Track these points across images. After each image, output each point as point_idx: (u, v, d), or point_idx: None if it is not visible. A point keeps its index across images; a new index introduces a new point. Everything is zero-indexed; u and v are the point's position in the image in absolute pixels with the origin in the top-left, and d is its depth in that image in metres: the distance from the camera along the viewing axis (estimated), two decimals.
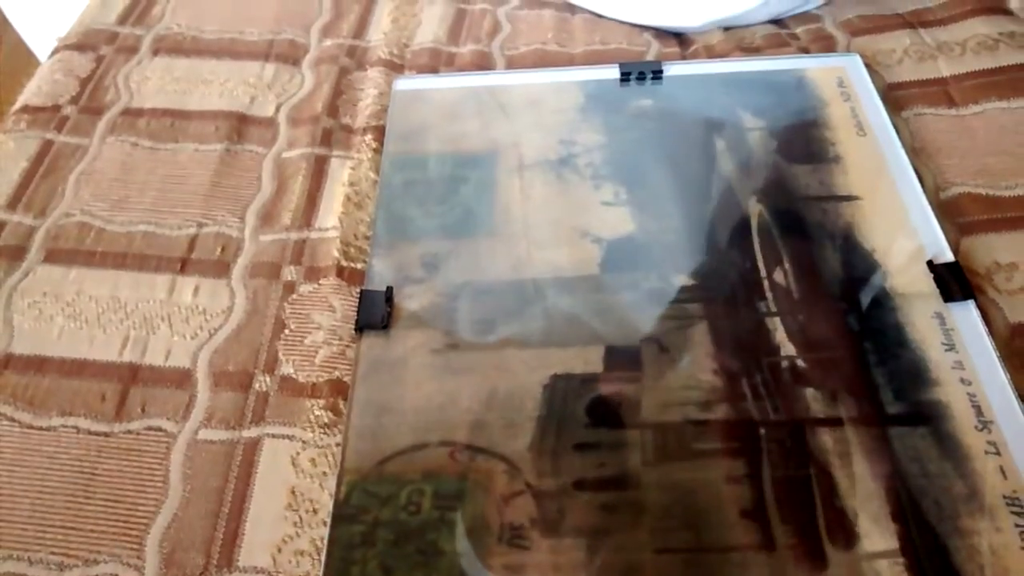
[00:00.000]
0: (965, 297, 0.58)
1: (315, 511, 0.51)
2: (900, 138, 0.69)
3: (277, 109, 0.77)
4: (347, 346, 0.59)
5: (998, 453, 0.50)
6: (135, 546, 0.50)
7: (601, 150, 0.70)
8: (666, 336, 0.57)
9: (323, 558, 0.49)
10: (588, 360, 0.56)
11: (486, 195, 0.67)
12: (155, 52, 0.84)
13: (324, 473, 0.53)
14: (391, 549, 0.48)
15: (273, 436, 0.55)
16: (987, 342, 0.55)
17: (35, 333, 0.61)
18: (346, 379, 0.57)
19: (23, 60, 1.36)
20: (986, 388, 0.53)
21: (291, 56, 0.83)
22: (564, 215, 0.65)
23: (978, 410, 0.52)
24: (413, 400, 0.55)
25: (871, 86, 0.73)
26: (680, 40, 0.84)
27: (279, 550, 0.50)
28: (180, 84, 0.80)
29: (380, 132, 0.74)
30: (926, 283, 0.59)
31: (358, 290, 0.62)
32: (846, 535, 0.48)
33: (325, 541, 0.49)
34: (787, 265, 0.61)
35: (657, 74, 0.76)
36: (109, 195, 0.70)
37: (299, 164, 0.72)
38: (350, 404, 0.55)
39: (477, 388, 0.55)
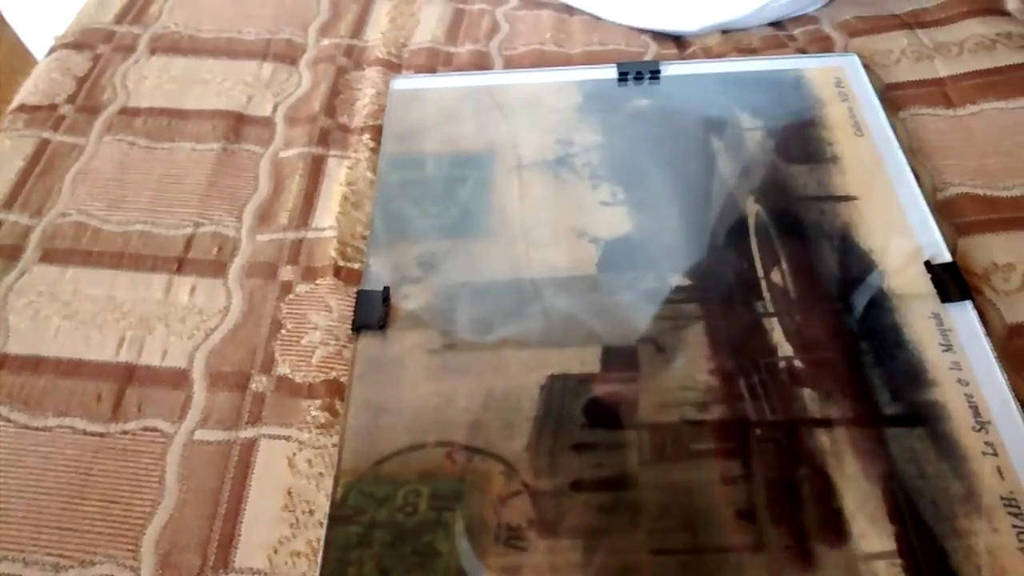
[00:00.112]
0: (962, 298, 0.58)
1: (311, 512, 0.51)
2: (898, 138, 0.69)
3: (274, 108, 0.77)
4: (344, 346, 0.59)
5: (995, 454, 0.50)
6: (131, 547, 0.50)
7: (599, 150, 0.70)
8: (663, 336, 0.57)
9: (319, 559, 0.49)
10: (585, 360, 0.56)
11: (483, 195, 0.67)
12: (152, 51, 0.84)
13: (320, 474, 0.53)
14: (387, 550, 0.48)
15: (269, 437, 0.55)
16: (984, 343, 0.55)
17: (31, 333, 0.61)
18: (343, 379, 0.57)
19: (20, 59, 1.36)
20: (983, 389, 0.53)
21: (288, 55, 0.83)
22: (561, 215, 0.65)
23: (975, 411, 0.52)
24: (410, 400, 0.55)
25: (869, 86, 0.73)
26: (678, 42, 0.84)
27: (275, 551, 0.50)
28: (177, 83, 0.80)
29: (377, 132, 0.74)
30: (923, 283, 0.59)
31: (355, 290, 0.62)
32: (843, 536, 0.48)
33: (321, 542, 0.49)
34: (784, 265, 0.61)
35: (655, 74, 0.76)
36: (106, 194, 0.70)
37: (296, 164, 0.72)
38: (347, 404, 0.55)
39: (474, 388, 0.55)
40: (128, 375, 0.58)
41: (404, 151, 0.71)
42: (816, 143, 0.69)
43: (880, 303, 0.58)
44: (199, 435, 0.55)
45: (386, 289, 0.61)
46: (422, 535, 0.49)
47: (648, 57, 0.81)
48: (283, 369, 0.58)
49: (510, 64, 0.82)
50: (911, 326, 0.56)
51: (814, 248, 0.61)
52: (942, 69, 0.76)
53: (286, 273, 0.64)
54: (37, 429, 0.56)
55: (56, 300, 0.62)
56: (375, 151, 0.72)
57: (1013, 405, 0.52)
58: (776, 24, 0.84)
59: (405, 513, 0.50)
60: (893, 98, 0.74)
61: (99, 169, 0.72)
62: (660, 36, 0.84)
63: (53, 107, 0.77)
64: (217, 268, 0.64)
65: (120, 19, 0.88)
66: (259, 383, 0.58)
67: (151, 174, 0.71)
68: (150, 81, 0.80)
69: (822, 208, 0.64)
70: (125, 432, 0.55)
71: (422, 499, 0.50)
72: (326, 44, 0.84)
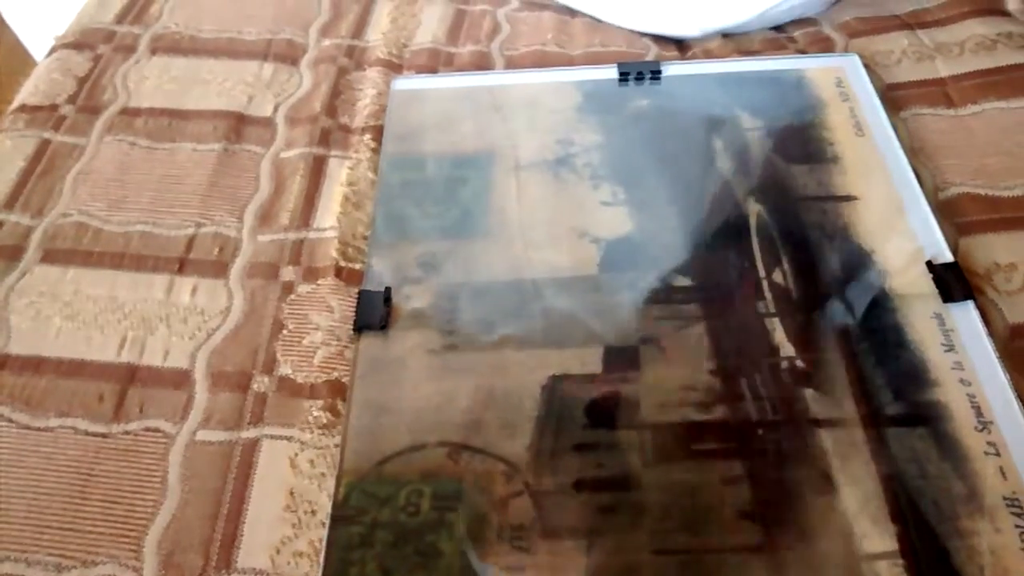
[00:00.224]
0: (964, 298, 0.58)
1: (314, 512, 0.51)
2: (899, 138, 0.69)
3: (275, 109, 0.77)
4: (345, 346, 0.59)
5: (998, 454, 0.50)
6: (133, 547, 0.50)
7: (599, 150, 0.70)
8: (665, 337, 0.57)
9: (322, 559, 0.49)
10: (587, 360, 0.56)
11: (485, 195, 0.67)
12: (153, 51, 0.84)
13: (322, 474, 0.53)
14: (390, 550, 0.48)
15: (271, 437, 0.55)
16: (986, 343, 0.55)
17: (32, 333, 0.61)
18: (344, 380, 0.57)
19: (19, 60, 1.36)
20: (985, 389, 0.53)
21: (289, 56, 0.83)
22: (562, 215, 0.65)
23: (977, 411, 0.52)
24: (412, 401, 0.55)
25: (870, 86, 0.73)
26: (679, 44, 0.83)
27: (278, 551, 0.50)
28: (178, 83, 0.80)
29: (378, 132, 0.74)
30: (925, 284, 0.59)
31: (356, 290, 0.62)
32: (845, 536, 0.48)
33: (324, 542, 0.49)
34: (786, 265, 0.61)
35: (655, 74, 0.76)
36: (107, 195, 0.70)
37: (297, 164, 0.72)
38: (348, 405, 0.55)
39: (476, 389, 0.55)
40: (130, 375, 0.58)
41: (405, 151, 0.71)
42: (817, 143, 0.69)
43: (882, 303, 0.58)
44: (201, 435, 0.55)
45: (388, 289, 0.61)
46: (424, 535, 0.49)
47: (649, 58, 0.81)
48: (285, 369, 0.58)
49: (511, 65, 0.82)
50: (913, 326, 0.56)
51: (815, 248, 0.61)
52: (943, 69, 0.76)
53: (287, 273, 0.64)
54: (39, 429, 0.56)
55: (57, 300, 0.62)
56: (376, 151, 0.72)
57: (1015, 405, 0.52)
58: (776, 27, 0.84)
59: (407, 513, 0.50)
60: (894, 98, 0.74)
61: (100, 169, 0.72)
62: (661, 39, 0.84)
63: (54, 107, 0.77)
64: (218, 268, 0.64)
65: (121, 19, 0.88)
66: (261, 383, 0.58)
67: (152, 174, 0.71)
68: (151, 81, 0.80)
69: (823, 208, 0.64)
70: (127, 432, 0.55)
71: (424, 499, 0.50)
72: (327, 44, 0.84)
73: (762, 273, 0.60)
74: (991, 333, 0.56)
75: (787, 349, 0.56)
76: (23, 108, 0.78)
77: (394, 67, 0.81)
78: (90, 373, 0.58)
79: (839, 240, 0.62)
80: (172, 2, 0.90)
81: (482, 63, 0.82)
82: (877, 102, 0.72)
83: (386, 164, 0.70)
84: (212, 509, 0.52)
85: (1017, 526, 0.47)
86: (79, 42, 0.85)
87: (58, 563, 0.50)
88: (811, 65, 0.76)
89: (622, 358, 0.56)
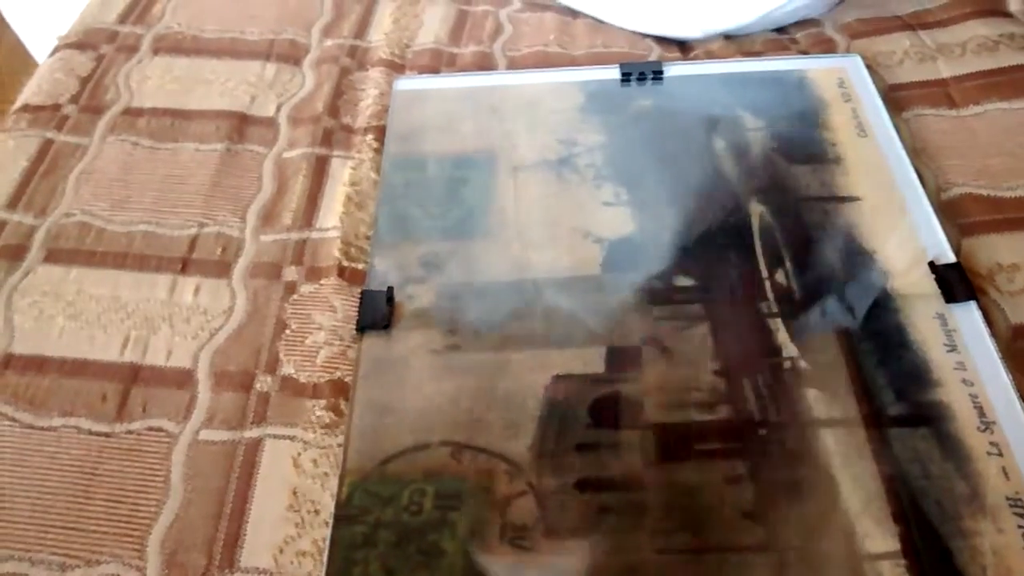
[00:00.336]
0: (967, 298, 0.58)
1: (317, 512, 0.51)
2: (901, 139, 0.69)
3: (278, 109, 0.77)
4: (348, 346, 0.59)
5: (1000, 454, 0.50)
6: (137, 547, 0.50)
7: (602, 150, 0.70)
8: (667, 337, 0.57)
9: (325, 559, 0.49)
10: (589, 361, 0.56)
11: (487, 195, 0.67)
12: (155, 51, 0.84)
13: (325, 474, 0.53)
14: (393, 550, 0.48)
15: (274, 437, 0.55)
16: (989, 343, 0.55)
17: (36, 333, 0.61)
18: (347, 379, 0.57)
19: (20, 60, 1.36)
20: (988, 389, 0.53)
21: (292, 56, 0.83)
22: (565, 215, 0.65)
23: (980, 411, 0.52)
24: (414, 400, 0.55)
25: (872, 87, 0.73)
26: (681, 45, 0.83)
27: (281, 551, 0.50)
28: (180, 83, 0.80)
29: (381, 132, 0.74)
30: (928, 284, 0.59)
31: (359, 290, 0.62)
32: (847, 536, 0.48)
33: (327, 542, 0.49)
34: (788, 266, 0.61)
35: (658, 75, 0.76)
36: (109, 195, 0.70)
37: (300, 164, 0.72)
38: (351, 404, 0.55)
39: (479, 388, 0.55)
40: (133, 375, 0.58)
41: (407, 151, 0.71)
42: (819, 144, 0.69)
43: (884, 303, 0.58)
44: (204, 435, 0.55)
45: (390, 289, 0.61)
46: (427, 534, 0.49)
47: (652, 59, 0.81)
48: (288, 369, 0.58)
49: (513, 65, 0.82)
50: (915, 326, 0.56)
51: (818, 249, 0.61)
52: (945, 70, 0.76)
53: (290, 273, 0.64)
54: (42, 429, 0.56)
55: (60, 300, 0.63)
56: (379, 151, 0.72)
57: (1018, 405, 0.52)
58: (779, 28, 0.84)
59: (410, 513, 0.50)
60: (896, 99, 0.74)
61: (103, 169, 0.72)
62: (664, 40, 0.84)
63: (57, 107, 0.78)
64: (221, 268, 0.64)
65: (123, 19, 0.88)
66: (264, 383, 0.58)
67: (155, 174, 0.71)
68: (153, 81, 0.80)
69: (826, 209, 0.64)
70: (130, 432, 0.55)
71: (427, 499, 0.50)
72: (329, 44, 0.84)
73: (764, 273, 0.60)
74: (993, 334, 0.56)
75: (789, 349, 0.56)
76: (26, 108, 0.78)
77: (396, 67, 0.81)
78: (93, 373, 0.58)
79: (841, 240, 0.62)
80: (175, 2, 0.90)
81: (484, 64, 0.82)
82: (879, 103, 0.72)
83: (388, 164, 0.70)
84: (215, 508, 0.52)
85: (1020, 526, 0.47)
86: (82, 42, 0.85)
87: (62, 562, 0.50)
88: (813, 66, 0.76)
89: (624, 358, 0.56)
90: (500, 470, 0.51)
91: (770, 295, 0.59)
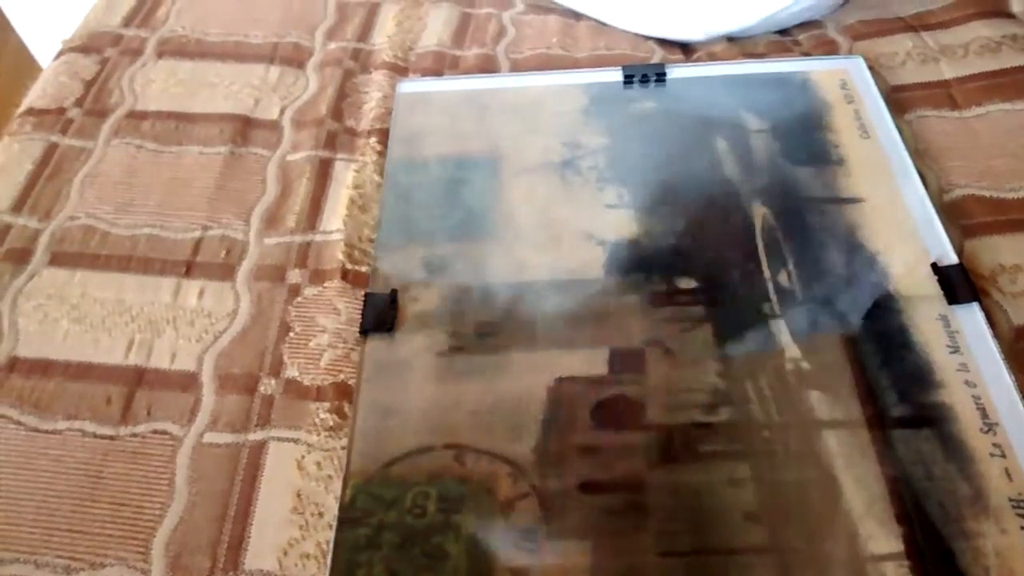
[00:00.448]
0: (969, 299, 0.58)
1: (321, 514, 0.52)
2: (903, 140, 0.69)
3: (281, 112, 0.77)
4: (352, 349, 0.59)
5: (1003, 455, 0.50)
6: (141, 549, 0.50)
7: (605, 153, 0.70)
8: (670, 338, 0.57)
9: (329, 561, 0.49)
10: (592, 362, 0.56)
11: (490, 198, 0.67)
12: (160, 55, 0.84)
13: (329, 476, 0.53)
14: (396, 552, 0.49)
15: (278, 439, 0.55)
16: (992, 344, 0.55)
17: (40, 336, 0.61)
18: (351, 382, 0.58)
19: (25, 64, 1.37)
20: (991, 390, 0.53)
21: (296, 59, 0.83)
22: (568, 218, 0.65)
23: (983, 412, 0.52)
24: (418, 403, 0.55)
25: (874, 88, 0.73)
26: (684, 48, 0.83)
27: (285, 553, 0.50)
28: (184, 87, 0.80)
29: (384, 135, 0.74)
30: (930, 285, 0.59)
31: (363, 293, 0.62)
32: (851, 538, 0.48)
33: (331, 544, 0.50)
34: (791, 267, 0.61)
35: (660, 77, 0.76)
36: (114, 198, 0.70)
37: (303, 167, 0.72)
38: (355, 407, 0.55)
39: (482, 391, 0.55)
40: (137, 378, 0.59)
41: (411, 154, 0.71)
42: (822, 145, 0.69)
43: (887, 305, 0.58)
44: (208, 438, 0.55)
45: (394, 292, 0.61)
46: (431, 537, 0.49)
47: (654, 61, 0.81)
48: (292, 372, 0.59)
49: (516, 68, 0.82)
50: (918, 328, 0.57)
51: (820, 250, 0.61)
52: (947, 71, 0.76)
53: (294, 276, 0.64)
54: (47, 432, 0.56)
55: (65, 303, 0.63)
56: (382, 154, 0.72)
57: (1020, 407, 0.52)
58: (781, 30, 0.84)
59: (414, 515, 0.50)
60: (899, 100, 0.74)
61: (107, 173, 0.72)
62: (666, 43, 0.84)
63: (61, 111, 0.78)
64: (225, 271, 0.65)
65: (127, 22, 0.88)
66: (268, 386, 0.58)
67: (159, 177, 0.72)
68: (157, 84, 0.80)
69: (828, 210, 0.64)
70: (135, 435, 0.56)
71: (430, 501, 0.51)
72: (333, 47, 0.84)
73: (767, 275, 0.60)
74: (996, 335, 0.56)
75: (792, 351, 0.56)
76: (31, 112, 0.78)
77: (400, 70, 0.81)
78: (98, 376, 0.59)
79: (844, 242, 0.62)
80: (179, 5, 0.90)
81: (487, 66, 0.82)
82: (882, 104, 0.72)
83: (392, 167, 0.70)
84: (219, 511, 0.52)
85: (1022, 527, 0.47)
86: (86, 45, 0.85)
87: (67, 565, 0.50)
88: (816, 67, 0.76)
89: (627, 360, 0.56)
90: (503, 472, 0.51)
91: (773, 296, 0.59)
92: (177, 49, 0.84)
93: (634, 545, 0.48)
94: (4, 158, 0.73)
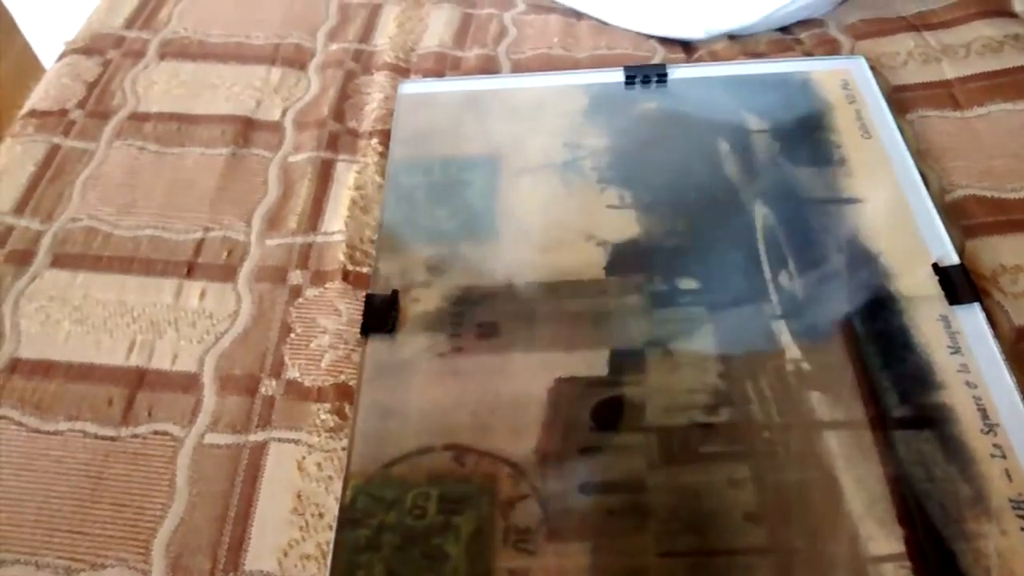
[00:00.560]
0: (970, 300, 0.58)
1: (321, 515, 0.52)
2: (905, 140, 0.69)
3: (283, 113, 0.78)
4: (353, 350, 0.59)
5: (1004, 456, 0.50)
6: (142, 550, 0.51)
7: (606, 153, 0.70)
8: (671, 339, 0.57)
9: (329, 562, 0.49)
10: (593, 363, 0.56)
11: (491, 198, 0.67)
12: (162, 56, 0.84)
13: (330, 477, 0.53)
14: (397, 553, 0.49)
15: (279, 440, 0.55)
16: (993, 345, 0.55)
17: (42, 337, 0.61)
18: (352, 383, 0.58)
19: (29, 65, 1.37)
20: (992, 391, 0.53)
21: (297, 60, 0.83)
22: (569, 218, 0.65)
23: (983, 413, 0.52)
24: (418, 404, 0.55)
25: (876, 88, 0.73)
26: (685, 46, 0.83)
27: (285, 554, 0.50)
28: (186, 88, 0.80)
29: (386, 136, 0.74)
30: (931, 286, 0.59)
31: (364, 294, 0.62)
32: (851, 539, 0.48)
33: (331, 545, 0.50)
34: (792, 268, 0.61)
35: (662, 77, 0.76)
36: (116, 199, 0.70)
37: (305, 168, 0.72)
38: (356, 408, 0.55)
39: (482, 392, 0.55)
40: (139, 379, 0.59)
41: (412, 155, 0.71)
42: (823, 145, 0.69)
43: (888, 305, 0.58)
44: (209, 439, 0.56)
45: (395, 293, 0.61)
46: (431, 538, 0.49)
47: (656, 60, 0.81)
48: (292, 373, 0.59)
49: (518, 68, 0.82)
50: (919, 328, 0.56)
51: (821, 250, 0.61)
52: (949, 71, 0.76)
53: (295, 277, 0.64)
54: (49, 433, 0.56)
55: (67, 305, 0.63)
56: (383, 155, 0.72)
57: (1021, 408, 0.52)
58: (782, 28, 0.84)
59: (414, 516, 0.50)
60: (900, 100, 0.74)
61: (109, 174, 0.72)
62: (668, 40, 0.84)
63: (64, 112, 0.78)
64: (227, 272, 0.65)
65: (130, 24, 0.88)
66: (269, 387, 0.58)
67: (161, 179, 0.72)
68: (160, 86, 0.81)
69: (829, 210, 0.64)
70: (136, 436, 0.56)
71: (431, 502, 0.51)
72: (335, 48, 0.84)
73: (768, 275, 0.60)
74: (997, 335, 0.56)
75: (793, 351, 0.56)
76: (33, 113, 0.78)
77: (401, 71, 0.82)
78: (99, 377, 0.59)
79: (845, 242, 0.62)
80: (181, 7, 0.90)
81: (488, 67, 0.82)
82: (883, 104, 0.72)
83: (393, 168, 0.70)
84: (220, 512, 0.52)
85: (1023, 528, 0.47)
86: (89, 47, 0.85)
87: (68, 566, 0.50)
88: (817, 67, 0.76)
89: (628, 361, 0.56)
90: (503, 473, 0.51)
91: (773, 297, 0.59)
92: (179, 51, 0.85)
93: (634, 546, 0.48)
94: (6, 160, 0.74)
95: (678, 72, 0.76)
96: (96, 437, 0.56)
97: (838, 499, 0.49)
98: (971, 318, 0.57)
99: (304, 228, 0.68)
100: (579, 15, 0.87)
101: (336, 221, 0.68)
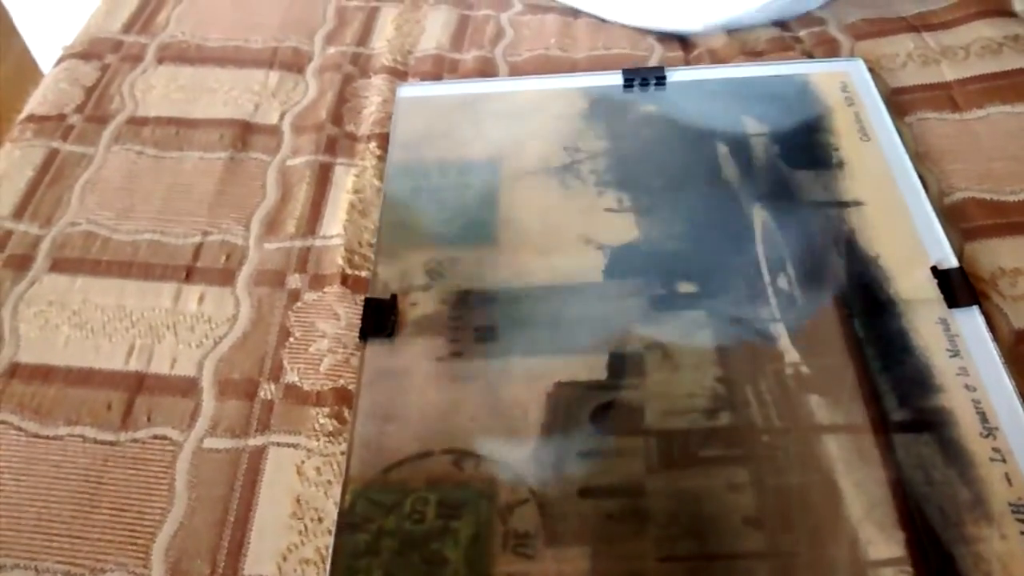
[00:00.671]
0: (970, 303, 0.57)
1: (320, 520, 0.52)
2: (904, 143, 0.69)
3: (281, 117, 0.78)
4: (351, 354, 0.59)
5: (1003, 460, 0.50)
6: (141, 555, 0.51)
7: (605, 156, 0.70)
8: (670, 343, 0.57)
9: (328, 566, 0.49)
10: (592, 367, 0.56)
11: (490, 202, 0.67)
12: (160, 60, 0.84)
13: (329, 481, 0.53)
14: (395, 558, 0.49)
15: (278, 444, 0.55)
16: (992, 348, 0.55)
17: (41, 342, 0.61)
18: (351, 387, 0.58)
19: (28, 69, 1.37)
20: (991, 394, 0.53)
21: (295, 64, 0.83)
22: (568, 222, 0.65)
23: (983, 416, 0.52)
24: (417, 408, 0.55)
25: (875, 91, 0.73)
26: (683, 44, 0.84)
27: (284, 559, 0.50)
28: (185, 92, 0.80)
29: (384, 139, 0.74)
30: (930, 289, 0.59)
31: (362, 298, 0.62)
32: (851, 543, 0.48)
33: (330, 550, 0.50)
34: (791, 271, 0.61)
35: (660, 80, 0.76)
36: (114, 204, 0.70)
37: (303, 172, 0.72)
38: (354, 412, 0.55)
39: (481, 396, 0.55)
40: (138, 384, 0.59)
41: (411, 158, 0.71)
42: (822, 148, 0.69)
43: (887, 308, 0.58)
44: (208, 443, 0.56)
45: (394, 297, 0.61)
46: (430, 543, 0.49)
47: (654, 60, 0.81)
48: (291, 377, 0.59)
49: (515, 70, 0.82)
50: (918, 332, 0.56)
51: (820, 254, 0.61)
52: (948, 73, 0.76)
53: (294, 281, 0.64)
54: (48, 438, 0.56)
55: (66, 309, 0.63)
56: (382, 159, 0.72)
57: (1021, 411, 0.52)
58: (782, 26, 0.84)
59: (413, 521, 0.50)
60: (899, 102, 0.74)
61: (108, 178, 0.72)
62: (665, 39, 0.84)
63: (62, 117, 0.78)
64: (225, 276, 0.65)
65: (128, 28, 0.88)
66: (268, 391, 0.58)
67: (159, 183, 0.72)
68: (158, 90, 0.81)
69: (828, 214, 0.64)
70: (135, 440, 0.56)
71: (429, 507, 0.51)
72: (332, 52, 0.84)
73: (767, 279, 0.60)
74: (996, 338, 0.56)
75: (792, 355, 0.56)
76: (31, 118, 0.78)
77: (399, 74, 0.82)
78: (98, 381, 0.59)
79: (844, 245, 0.62)
80: (179, 11, 0.90)
81: (486, 69, 0.82)
82: (882, 107, 0.72)
83: (392, 171, 0.70)
84: (219, 516, 0.52)
85: (1023, 532, 0.47)
86: (87, 52, 0.85)
87: (67, 571, 0.50)
88: (816, 70, 0.76)
89: (627, 365, 0.56)
90: (502, 478, 0.51)
91: (772, 300, 0.59)
92: (177, 55, 0.85)
93: (633, 550, 0.48)
94: (5, 164, 0.74)
95: (677, 75, 0.76)
96: (95, 442, 0.56)
97: (838, 503, 0.49)
98: (970, 321, 0.57)
99: (303, 232, 0.68)
100: (576, 13, 0.87)
101: (335, 225, 0.68)
